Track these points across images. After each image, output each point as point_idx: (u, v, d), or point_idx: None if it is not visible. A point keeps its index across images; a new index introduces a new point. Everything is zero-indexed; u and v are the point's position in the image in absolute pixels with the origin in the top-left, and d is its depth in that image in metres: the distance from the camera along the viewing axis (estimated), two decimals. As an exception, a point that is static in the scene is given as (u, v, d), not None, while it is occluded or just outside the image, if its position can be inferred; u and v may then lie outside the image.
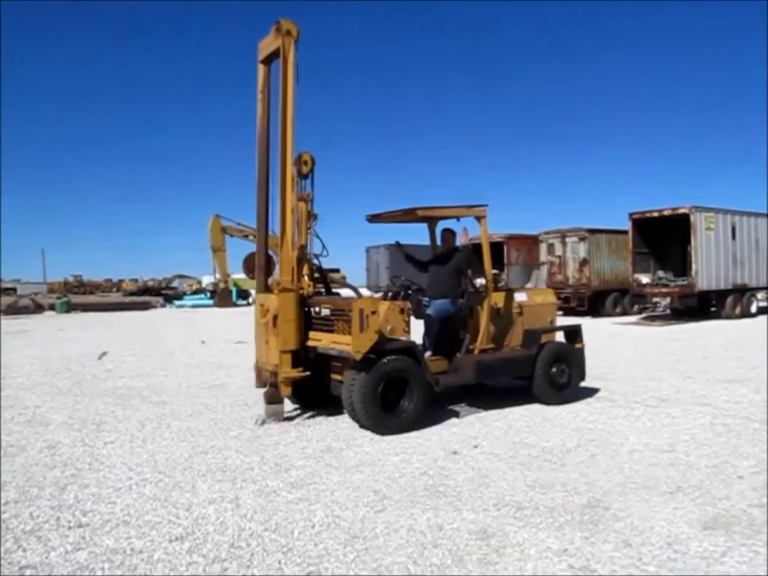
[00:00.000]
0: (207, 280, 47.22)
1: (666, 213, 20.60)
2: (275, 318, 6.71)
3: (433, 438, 6.04)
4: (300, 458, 5.46)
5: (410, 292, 7.52)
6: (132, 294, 62.03)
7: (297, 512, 4.22)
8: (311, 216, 7.22)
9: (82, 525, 4.13)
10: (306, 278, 7.09)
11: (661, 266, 21.98)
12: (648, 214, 21.05)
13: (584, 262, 23.29)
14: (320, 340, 6.77)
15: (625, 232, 22.15)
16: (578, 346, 8.05)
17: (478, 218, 7.43)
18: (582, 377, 7.95)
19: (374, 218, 7.78)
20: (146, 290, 63.23)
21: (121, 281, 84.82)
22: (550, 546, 3.60)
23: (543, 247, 24.81)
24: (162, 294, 50.93)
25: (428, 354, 7.17)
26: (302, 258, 7.07)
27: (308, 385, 6.99)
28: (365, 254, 32.27)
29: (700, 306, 20.85)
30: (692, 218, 19.85)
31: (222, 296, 36.42)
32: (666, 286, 21.15)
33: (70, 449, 5.98)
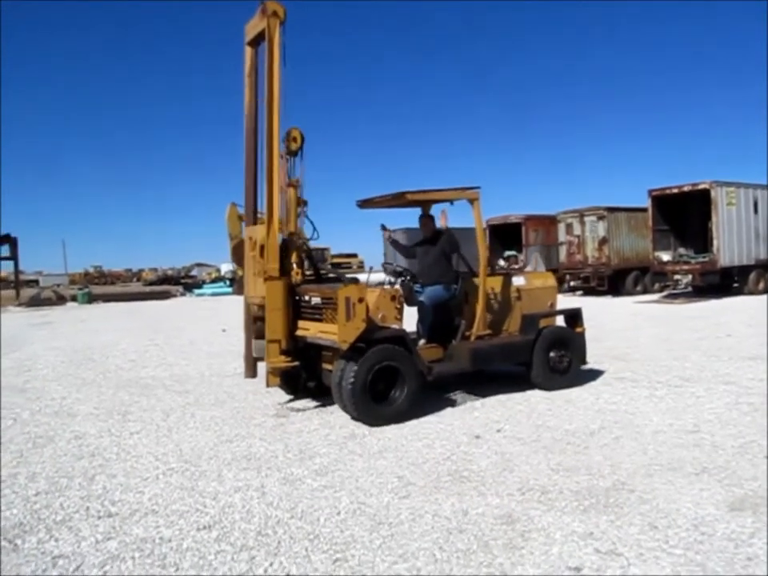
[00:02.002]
0: (226, 268, 47.53)
1: (685, 189, 20.31)
2: (262, 248, 6.60)
3: (455, 423, 6.05)
4: (323, 445, 5.50)
5: (403, 279, 7.35)
6: (152, 283, 62.64)
7: (322, 499, 4.26)
8: (300, 202, 7.11)
9: (112, 514, 4.19)
10: (294, 265, 6.92)
11: (681, 242, 21.71)
12: (667, 191, 20.76)
13: (603, 241, 23.05)
14: (308, 329, 6.63)
15: (644, 209, 21.89)
16: (578, 330, 7.87)
17: (471, 201, 7.19)
18: (583, 361, 7.80)
19: (364, 204, 7.54)
20: (165, 279, 63.87)
21: (141, 270, 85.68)
22: (576, 530, 3.60)
23: (561, 227, 24.59)
24: (182, 282, 51.39)
25: (422, 341, 7.07)
26: (291, 245, 6.95)
27: (300, 374, 6.94)
28: (382, 239, 32.26)
29: (722, 283, 20.57)
30: (713, 193, 19.56)
31: (241, 284, 36.48)
32: (687, 263, 20.91)
33: (97, 439, 6.06)
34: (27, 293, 38.19)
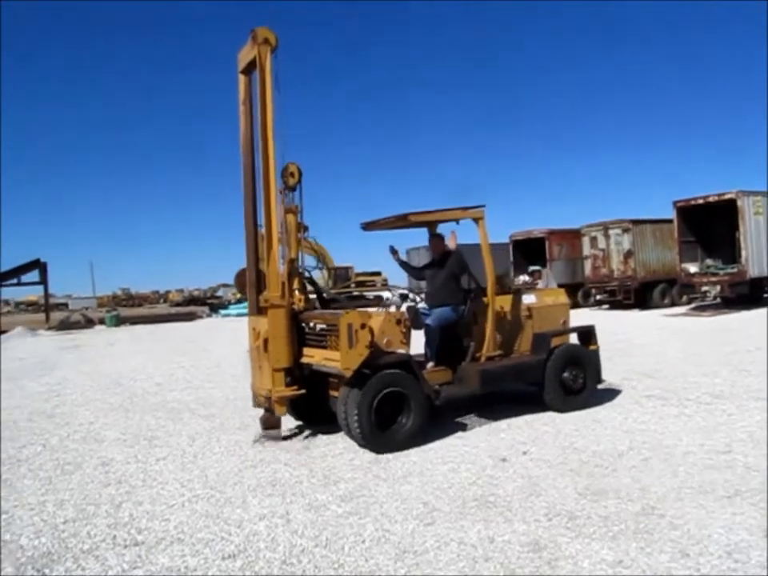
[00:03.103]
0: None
1: (711, 199, 20.06)
2: (266, 341, 6.47)
3: (481, 446, 5.99)
4: (348, 470, 5.48)
5: (410, 301, 7.21)
6: (178, 304, 63.34)
7: (347, 526, 4.24)
8: (301, 228, 7.03)
9: (138, 543, 4.21)
10: (297, 292, 6.86)
11: (709, 254, 21.41)
12: (693, 201, 20.52)
13: (629, 254, 22.86)
14: (313, 356, 6.50)
15: (669, 221, 21.66)
16: (592, 347, 7.72)
17: (476, 220, 7.06)
18: (598, 380, 7.63)
19: (368, 226, 7.44)
20: (191, 300, 64.56)
21: (167, 292, 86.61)
22: (605, 558, 3.53)
23: (586, 241, 24.44)
24: (208, 303, 51.79)
25: (430, 364, 6.93)
26: (293, 271, 6.87)
27: (308, 402, 6.84)
28: (405, 256, 32.32)
29: (751, 294, 20.23)
30: (739, 202, 19.30)
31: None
32: (714, 274, 20.61)
33: (124, 465, 6.11)
34: (57, 316, 38.82)
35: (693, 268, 21.11)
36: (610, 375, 9.06)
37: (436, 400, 6.43)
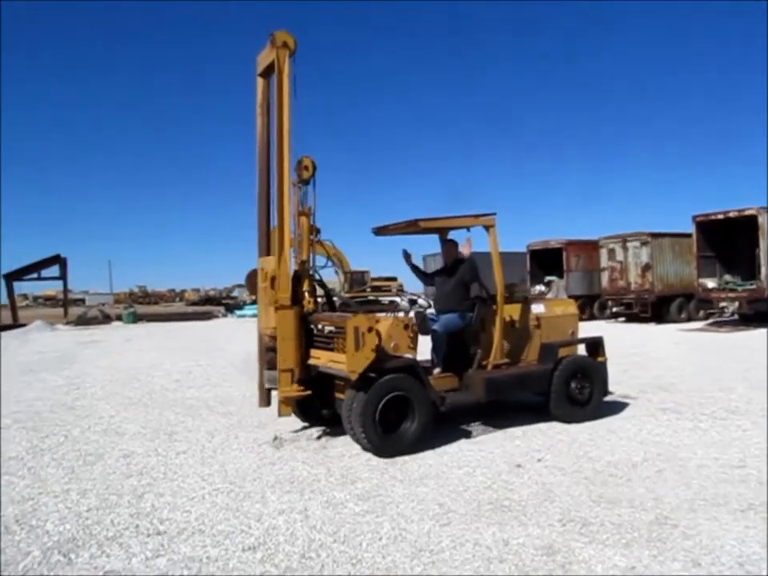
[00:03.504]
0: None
1: (731, 215, 19.98)
2: (273, 280, 6.53)
3: (496, 451, 6.06)
4: (365, 470, 5.57)
5: (419, 307, 7.26)
6: (194, 303, 63.77)
7: (364, 524, 4.33)
8: (313, 230, 7.12)
9: (160, 532, 4.33)
10: (306, 294, 6.91)
11: (727, 269, 21.29)
12: (712, 216, 20.45)
13: (647, 267, 22.78)
14: (320, 358, 6.56)
15: (688, 235, 21.59)
16: (600, 359, 7.71)
17: (487, 228, 7.11)
18: (605, 392, 7.63)
19: (379, 231, 7.49)
20: (207, 300, 64.86)
21: (183, 291, 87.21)
22: (617, 564, 3.59)
23: (603, 252, 24.37)
24: (223, 303, 52.08)
25: (437, 370, 6.96)
26: (303, 273, 6.96)
27: (315, 403, 6.92)
28: (422, 263, 32.41)
29: (771, 311, 20.10)
30: (760, 219, 19.20)
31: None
32: (733, 290, 20.49)
33: (145, 458, 6.24)
34: (74, 311, 39.25)
35: (711, 283, 21.01)
36: (625, 388, 9.12)
37: (441, 406, 6.46)
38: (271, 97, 6.98)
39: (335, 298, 7.77)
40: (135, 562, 3.87)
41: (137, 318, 35.01)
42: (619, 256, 23.77)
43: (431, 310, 7.42)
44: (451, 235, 7.75)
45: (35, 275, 35.67)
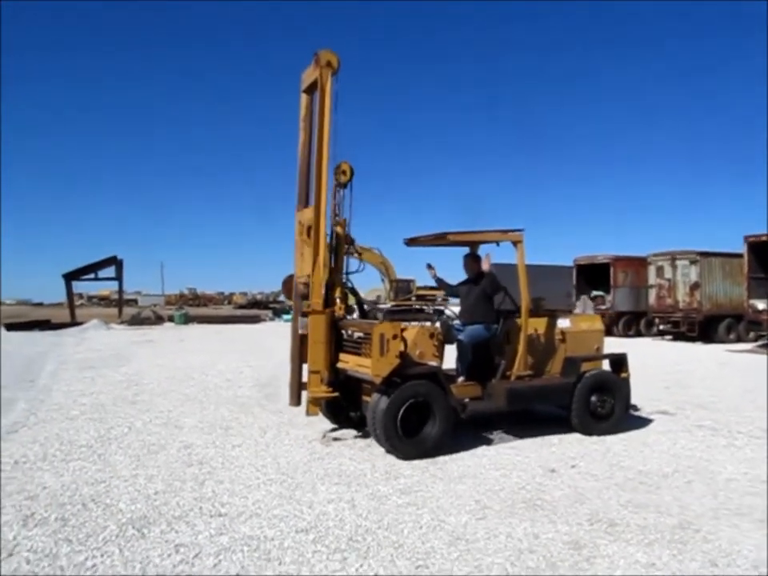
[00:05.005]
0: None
1: (784, 236, 19.72)
2: (309, 229, 6.88)
3: (532, 456, 6.38)
4: (408, 468, 5.96)
5: (444, 317, 7.51)
6: (242, 306, 65.03)
7: (406, 514, 4.72)
8: (348, 240, 7.45)
9: (222, 514, 4.79)
10: (338, 300, 7.21)
11: (779, 291, 20.97)
12: (765, 237, 20.19)
13: (695, 286, 22.57)
14: (348, 362, 6.86)
15: (740, 255, 21.35)
16: (623, 375, 7.81)
17: (515, 243, 7.32)
18: (627, 408, 7.76)
19: (410, 242, 7.78)
20: (255, 304, 66.09)
21: (231, 294, 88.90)
22: (639, 560, 3.90)
23: (652, 270, 24.22)
24: (270, 307, 53.09)
25: (461, 379, 7.18)
26: (336, 281, 7.26)
27: (343, 405, 7.25)
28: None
29: (823, 335, 19.75)
30: (814, 241, 18.91)
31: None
32: (784, 312, 20.17)
33: (204, 449, 6.74)
34: (128, 311, 40.64)
35: (761, 305, 20.70)
36: (665, 404, 9.30)
37: (462, 413, 6.69)
38: (314, 112, 7.29)
39: (365, 306, 8.14)
40: (201, 538, 4.33)
41: (188, 320, 36.09)
42: (668, 274, 23.61)
43: (457, 321, 7.70)
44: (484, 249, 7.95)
45: (92, 275, 37.08)
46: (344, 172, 7.40)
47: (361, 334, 6.75)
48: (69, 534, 4.40)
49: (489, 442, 6.92)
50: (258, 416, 8.51)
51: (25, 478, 5.71)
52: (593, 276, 26.27)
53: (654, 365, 14.82)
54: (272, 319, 41.17)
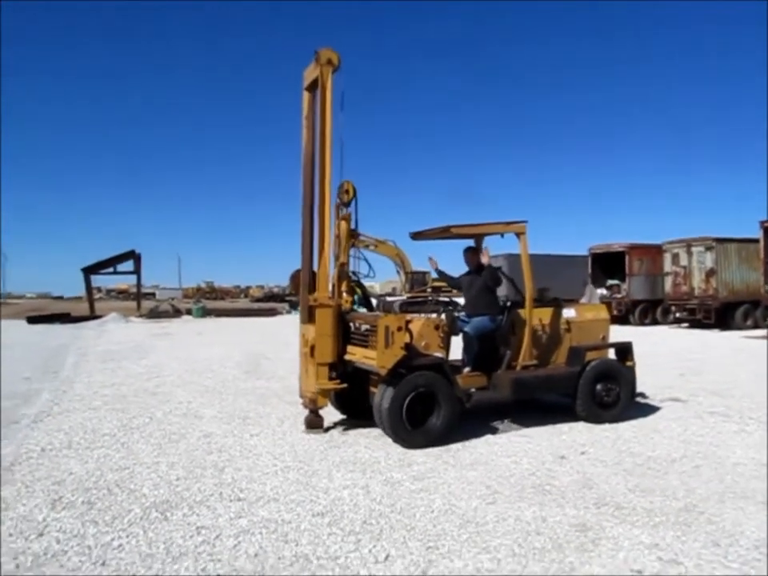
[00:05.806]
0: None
1: (801, 221, 19.61)
2: (312, 348, 6.99)
3: (543, 444, 6.51)
4: (421, 456, 6.11)
5: (449, 308, 7.61)
6: (258, 300, 65.49)
7: (418, 499, 4.88)
8: (353, 235, 7.58)
9: (241, 499, 4.97)
10: (344, 294, 7.32)
11: (796, 277, 20.86)
12: (781, 222, 20.09)
13: (711, 273, 22.52)
14: (355, 354, 6.98)
15: (756, 240, 21.23)
16: (628, 364, 7.87)
17: (518, 234, 7.40)
18: (633, 396, 7.82)
19: (415, 236, 7.87)
20: (271, 297, 66.49)
21: (248, 287, 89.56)
22: (643, 541, 4.03)
23: (667, 257, 24.21)
24: (287, 300, 53.39)
25: (467, 369, 7.30)
26: (342, 275, 7.38)
27: (352, 396, 7.38)
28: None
29: (841, 320, 19.64)
30: (831, 225, 18.80)
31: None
32: (801, 298, 20.08)
33: (223, 438, 6.94)
34: (146, 305, 41.17)
35: (779, 290, 20.63)
36: (678, 391, 9.39)
37: (467, 403, 6.81)
38: (316, 109, 7.36)
39: (371, 299, 8.28)
40: (222, 521, 4.52)
41: (205, 313, 36.48)
42: (683, 261, 23.58)
43: (463, 313, 7.81)
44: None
45: (111, 269, 37.59)
46: (347, 191, 7.48)
47: (367, 327, 6.88)
48: (95, 517, 4.61)
49: (500, 431, 7.06)
50: (276, 407, 8.71)
51: (51, 465, 5.95)
52: (608, 265, 26.26)
53: (668, 352, 14.87)
54: (288, 312, 41.43)
